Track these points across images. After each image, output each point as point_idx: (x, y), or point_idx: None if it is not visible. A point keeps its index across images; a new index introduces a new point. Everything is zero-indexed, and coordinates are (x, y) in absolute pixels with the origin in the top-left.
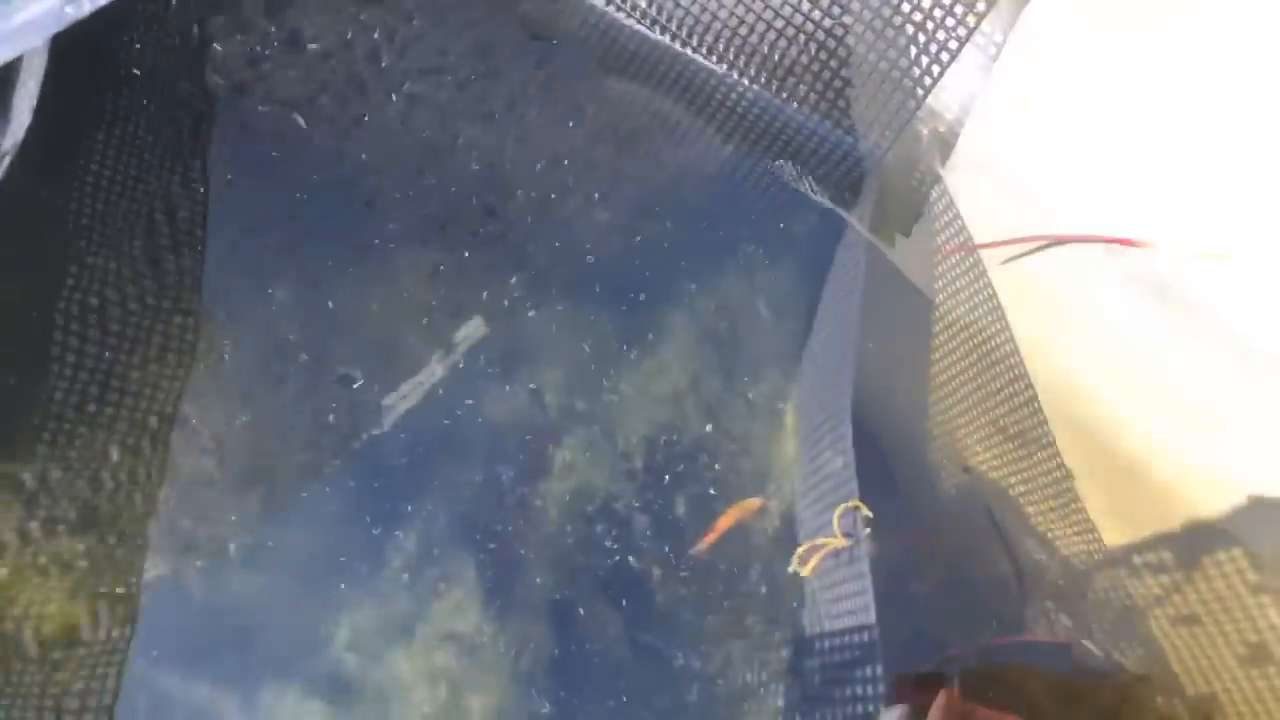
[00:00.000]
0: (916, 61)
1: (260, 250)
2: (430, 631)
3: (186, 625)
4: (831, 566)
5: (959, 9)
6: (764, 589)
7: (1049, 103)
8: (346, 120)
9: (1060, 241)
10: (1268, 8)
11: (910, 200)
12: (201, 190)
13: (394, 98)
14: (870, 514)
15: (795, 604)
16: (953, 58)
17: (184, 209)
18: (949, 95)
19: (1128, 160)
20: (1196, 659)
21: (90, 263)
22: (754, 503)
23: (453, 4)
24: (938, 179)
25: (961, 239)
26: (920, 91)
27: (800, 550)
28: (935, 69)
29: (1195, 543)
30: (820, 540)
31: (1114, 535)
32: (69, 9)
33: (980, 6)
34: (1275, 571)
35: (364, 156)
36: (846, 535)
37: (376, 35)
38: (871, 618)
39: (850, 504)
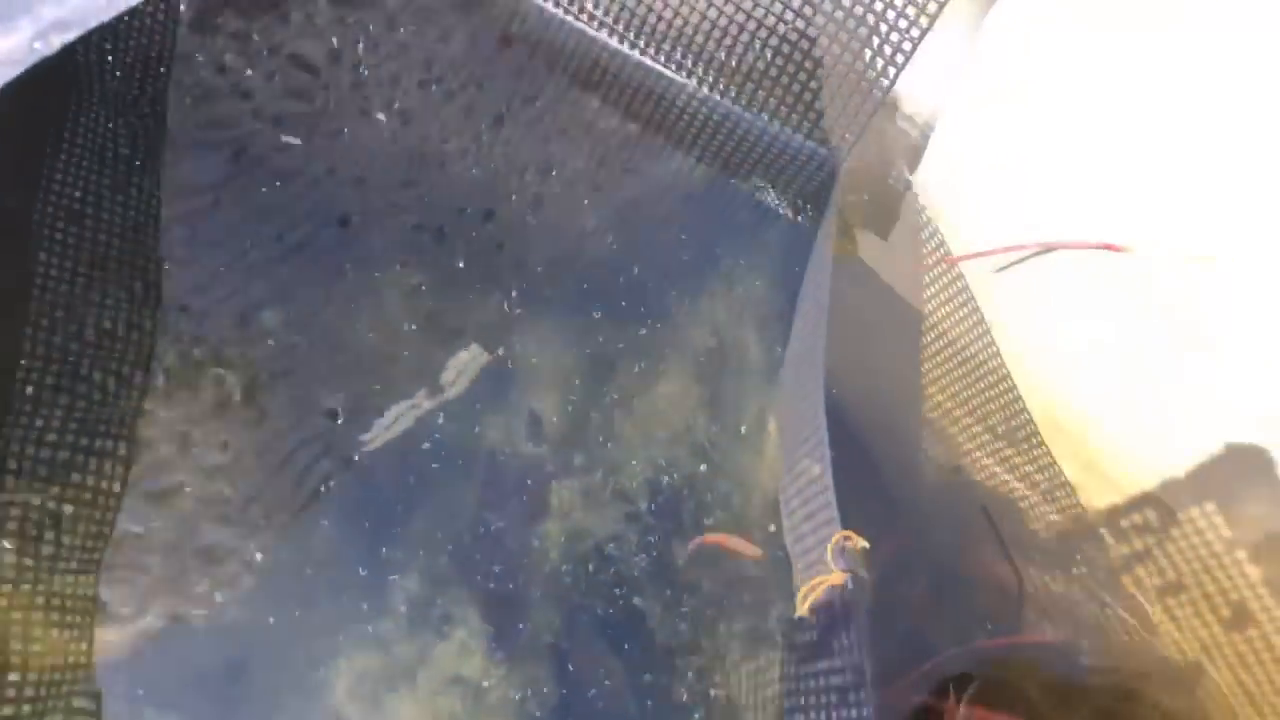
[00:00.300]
0: (871, 64)
1: (242, 273)
2: (426, 669)
3: (174, 667)
4: (825, 602)
5: (911, 10)
6: (757, 621)
7: (1028, 106)
8: (330, 136)
9: (1048, 249)
10: (1247, 12)
11: (882, 206)
12: (180, 209)
13: (378, 113)
14: (867, 544)
15: (787, 636)
16: (907, 59)
17: (161, 229)
18: (915, 99)
19: (1111, 164)
20: (1185, 630)
21: (61, 289)
22: (755, 551)
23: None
24: (908, 185)
25: (935, 242)
26: (876, 94)
27: (802, 592)
28: (891, 70)
29: (1174, 513)
30: (817, 580)
31: (1103, 530)
32: (38, 44)
33: (931, 8)
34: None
35: (348, 174)
36: (843, 569)
37: (360, 46)
38: (861, 656)
39: (841, 534)
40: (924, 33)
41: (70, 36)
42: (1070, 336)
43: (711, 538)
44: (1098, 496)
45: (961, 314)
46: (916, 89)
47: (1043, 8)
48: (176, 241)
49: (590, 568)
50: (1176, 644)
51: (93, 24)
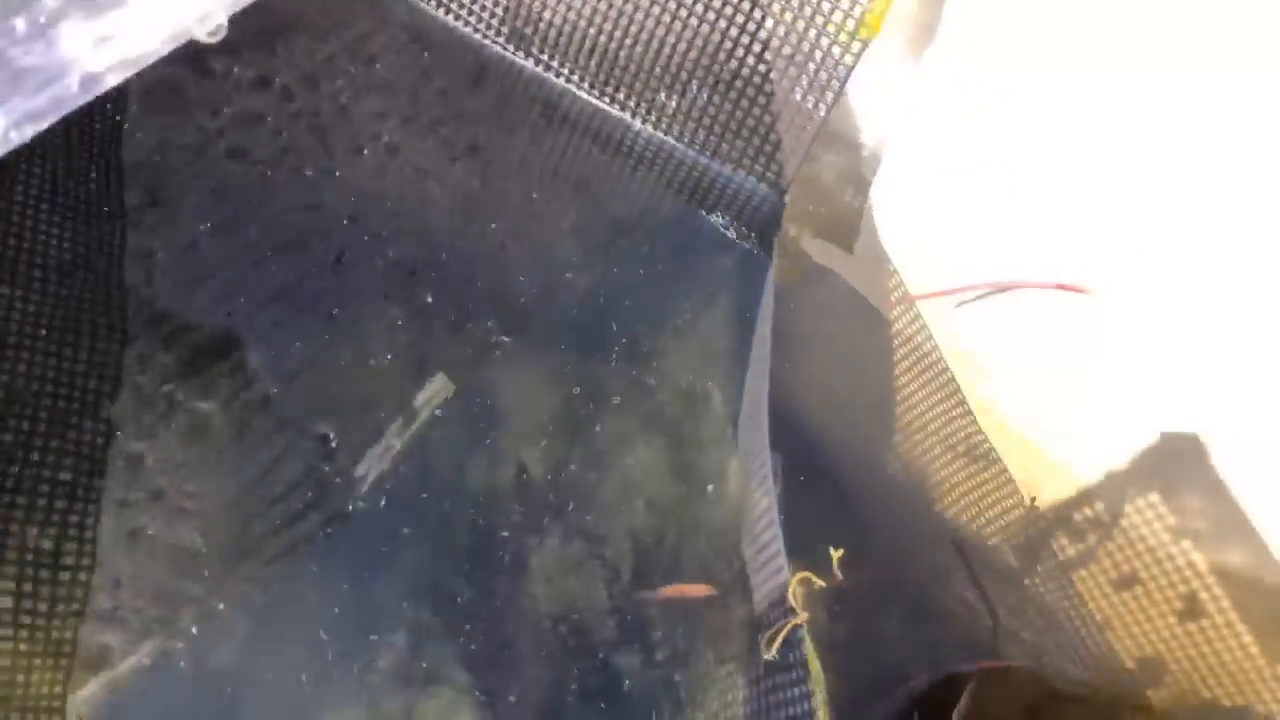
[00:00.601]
0: (804, 102)
1: (224, 310)
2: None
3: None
4: (789, 642)
5: (835, 50)
6: (729, 667)
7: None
8: (312, 172)
9: (1006, 288)
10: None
11: (834, 238)
12: (164, 247)
13: (358, 150)
14: (823, 583)
15: (755, 677)
16: (837, 96)
17: (144, 268)
18: (861, 134)
19: (1068, 210)
20: (1142, 624)
21: (40, 329)
22: (705, 589)
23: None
24: (858, 219)
25: (889, 268)
26: (810, 130)
27: (767, 635)
28: (822, 108)
29: (1121, 507)
30: (783, 623)
31: (1059, 532)
32: (12, 134)
33: (855, 47)
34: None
35: (329, 209)
36: (804, 610)
37: (340, 82)
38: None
39: (800, 576)
40: (849, 71)
41: (43, 125)
42: (1014, 353)
43: (666, 592)
44: (1048, 500)
45: (925, 345)
46: (861, 122)
47: (963, 51)
48: (160, 277)
49: (562, 626)
50: (1135, 641)
51: (66, 110)
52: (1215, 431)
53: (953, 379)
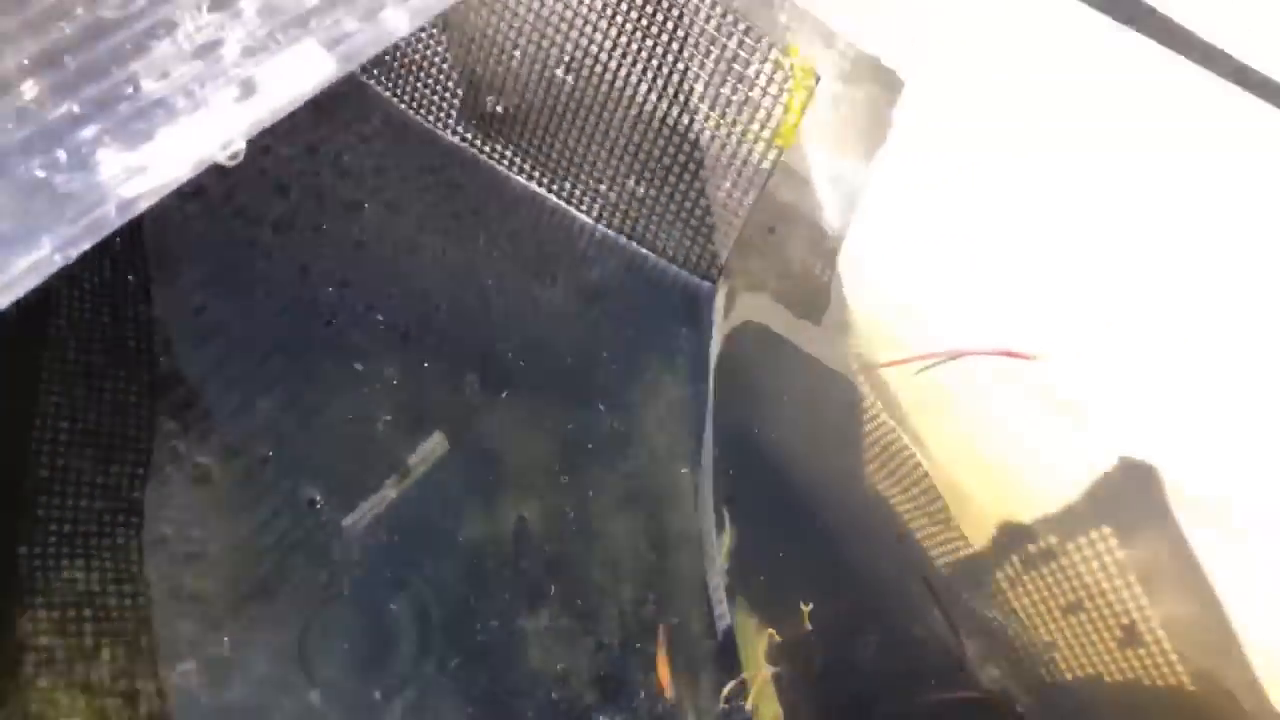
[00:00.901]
0: (730, 196)
1: (223, 369)
2: None
3: None
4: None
5: (754, 155)
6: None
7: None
8: (309, 238)
9: (957, 355)
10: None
11: (798, 309)
12: (163, 308)
13: (354, 218)
14: (779, 637)
15: None
16: (757, 196)
17: (144, 331)
18: (823, 212)
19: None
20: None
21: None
22: (668, 694)
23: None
24: (819, 294)
25: (851, 337)
26: (734, 223)
27: (727, 689)
28: (745, 203)
29: (1072, 537)
30: (747, 674)
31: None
32: (57, 256)
33: (772, 154)
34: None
35: (326, 274)
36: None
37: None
38: None
39: (769, 632)
40: (768, 175)
41: (86, 245)
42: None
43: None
44: (996, 538)
45: (884, 404)
46: (822, 200)
47: (914, 135)
48: (168, 343)
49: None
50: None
51: (103, 234)
52: (1151, 470)
53: (905, 431)
